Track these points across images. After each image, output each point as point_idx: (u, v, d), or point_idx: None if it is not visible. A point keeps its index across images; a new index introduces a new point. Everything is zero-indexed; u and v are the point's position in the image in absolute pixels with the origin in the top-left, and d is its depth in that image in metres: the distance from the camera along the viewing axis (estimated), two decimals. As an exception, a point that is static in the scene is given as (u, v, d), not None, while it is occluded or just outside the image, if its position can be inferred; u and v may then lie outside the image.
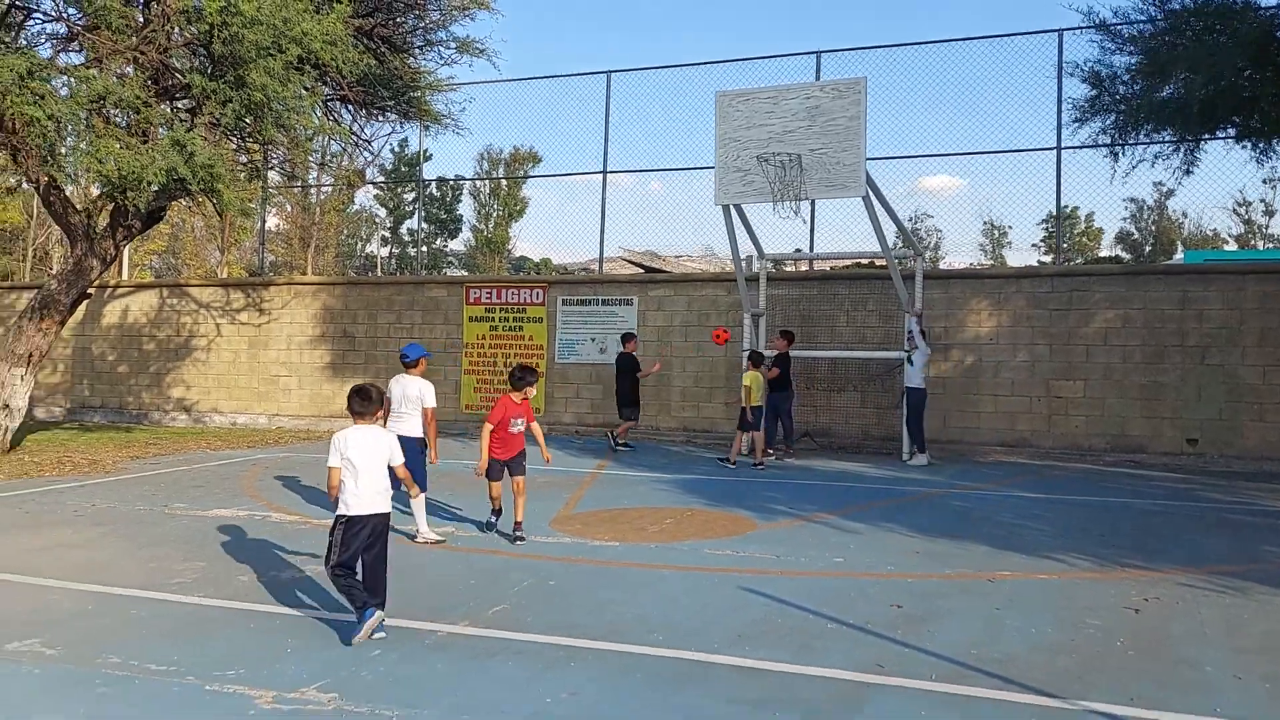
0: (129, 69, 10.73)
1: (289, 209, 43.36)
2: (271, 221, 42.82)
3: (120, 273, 21.53)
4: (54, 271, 41.00)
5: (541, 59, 74.28)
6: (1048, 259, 46.37)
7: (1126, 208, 48.39)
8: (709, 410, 16.25)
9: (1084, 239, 52.02)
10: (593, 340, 17.06)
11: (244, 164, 11.64)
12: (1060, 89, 14.14)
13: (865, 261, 18.12)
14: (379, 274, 46.31)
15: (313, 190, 37.08)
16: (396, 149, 43.72)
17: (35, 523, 8.82)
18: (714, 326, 15.60)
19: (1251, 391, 13.46)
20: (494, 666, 5.05)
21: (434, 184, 47.44)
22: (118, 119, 10.27)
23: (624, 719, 4.36)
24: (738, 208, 13.34)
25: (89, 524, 8.78)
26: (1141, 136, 12.33)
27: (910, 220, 43.19)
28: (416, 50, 13.84)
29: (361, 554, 5.60)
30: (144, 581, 6.71)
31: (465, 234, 51.86)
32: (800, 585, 6.72)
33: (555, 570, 7.16)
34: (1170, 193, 44.33)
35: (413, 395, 8.23)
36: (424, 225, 46.68)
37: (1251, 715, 4.45)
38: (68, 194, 12.10)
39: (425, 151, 27.28)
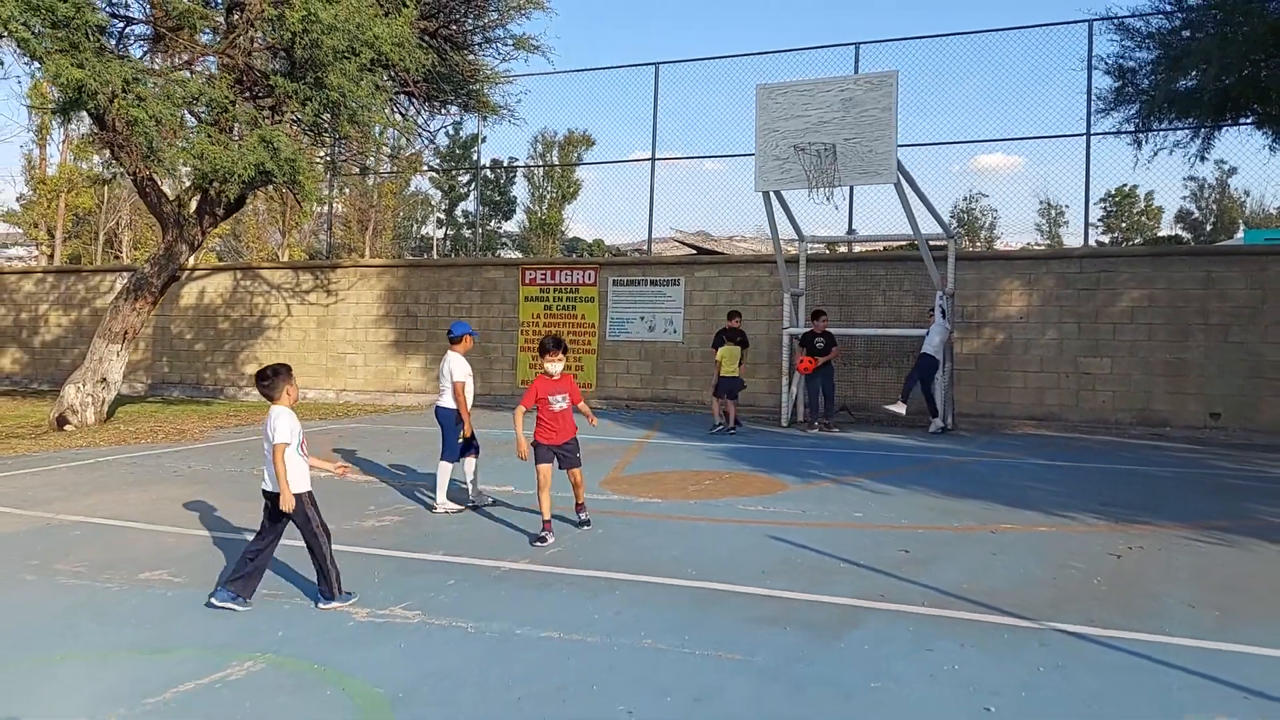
0: (215, 70, 11.74)
1: (348, 193, 44.64)
2: (338, 204, 44.17)
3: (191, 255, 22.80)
4: (124, 258, 42.74)
5: (593, 51, 75.16)
6: (1105, 239, 46.19)
7: (1187, 186, 47.72)
8: (752, 386, 17.03)
9: (1143, 218, 51.52)
10: (641, 319, 17.93)
11: (321, 157, 12.64)
12: (1090, 78, 14.70)
13: (902, 244, 18.74)
14: (434, 255, 47.52)
15: (371, 175, 38.21)
16: (452, 132, 44.80)
17: (142, 481, 9.93)
18: (755, 305, 16.42)
19: (1272, 368, 13.98)
20: (549, 593, 5.97)
21: (488, 168, 48.46)
22: (207, 117, 11.28)
23: (657, 630, 5.26)
24: (777, 194, 14.10)
25: (188, 482, 9.87)
26: (1161, 125, 12.88)
27: (965, 199, 43.18)
28: (476, 47, 14.76)
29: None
30: (246, 527, 7.73)
31: (519, 215, 52.81)
32: (820, 534, 7.57)
33: (603, 521, 8.07)
34: (1232, 171, 43.76)
35: (445, 370, 8.70)
36: (480, 208, 47.71)
37: (1193, 634, 5.22)
38: (161, 185, 13.24)
39: (481, 136, 28.27)
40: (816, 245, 16.98)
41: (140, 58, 13.25)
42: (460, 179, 49.74)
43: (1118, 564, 6.72)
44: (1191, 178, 46.19)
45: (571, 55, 62.32)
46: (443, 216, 54.57)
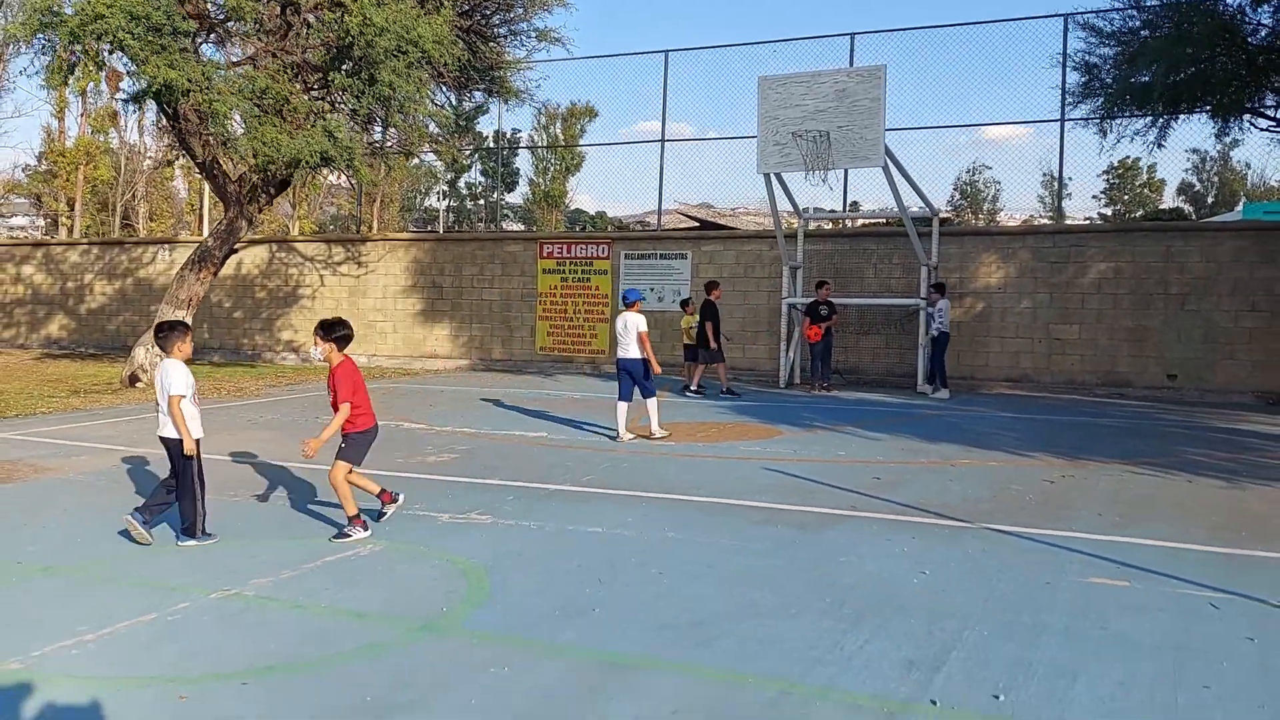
0: (275, 66, 13.16)
1: (372, 162, 45.66)
2: (341, 179, 45.38)
3: (202, 229, 24.29)
4: (138, 228, 44.11)
5: (603, 34, 76.29)
6: (1108, 211, 47.25)
7: (1189, 159, 48.35)
8: (754, 351, 18.56)
9: (1145, 190, 52.43)
10: (651, 290, 19.38)
11: (371, 144, 14.08)
12: (1064, 70, 16.04)
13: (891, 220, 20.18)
14: (439, 228, 48.83)
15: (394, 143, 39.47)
16: (455, 104, 45.92)
17: (224, 428, 11.47)
18: (757, 277, 17.92)
19: (1224, 334, 15.47)
20: (589, 505, 7.51)
21: (490, 138, 49.69)
22: (273, 109, 12.69)
23: (676, 527, 6.79)
24: (777, 175, 15.54)
25: (265, 428, 11.42)
26: (1123, 115, 14.30)
27: (969, 171, 44.20)
28: (501, 39, 16.17)
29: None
30: (329, 461, 9.23)
31: (523, 187, 53.86)
32: (807, 467, 9.11)
33: (626, 458, 9.60)
34: (1235, 144, 44.43)
35: (632, 327, 10.60)
36: (485, 180, 48.81)
37: (1093, 530, 6.75)
38: (225, 168, 14.69)
39: (484, 107, 29.44)
40: (820, 218, 18.36)
41: (217, 52, 14.69)
42: (466, 148, 50.78)
43: (1050, 487, 8.26)
44: (1194, 150, 46.86)
45: (583, 40, 63.40)
46: (446, 188, 55.83)
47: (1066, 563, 5.99)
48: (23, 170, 47.29)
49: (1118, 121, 14.43)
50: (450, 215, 54.26)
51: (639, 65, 39.48)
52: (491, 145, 47.93)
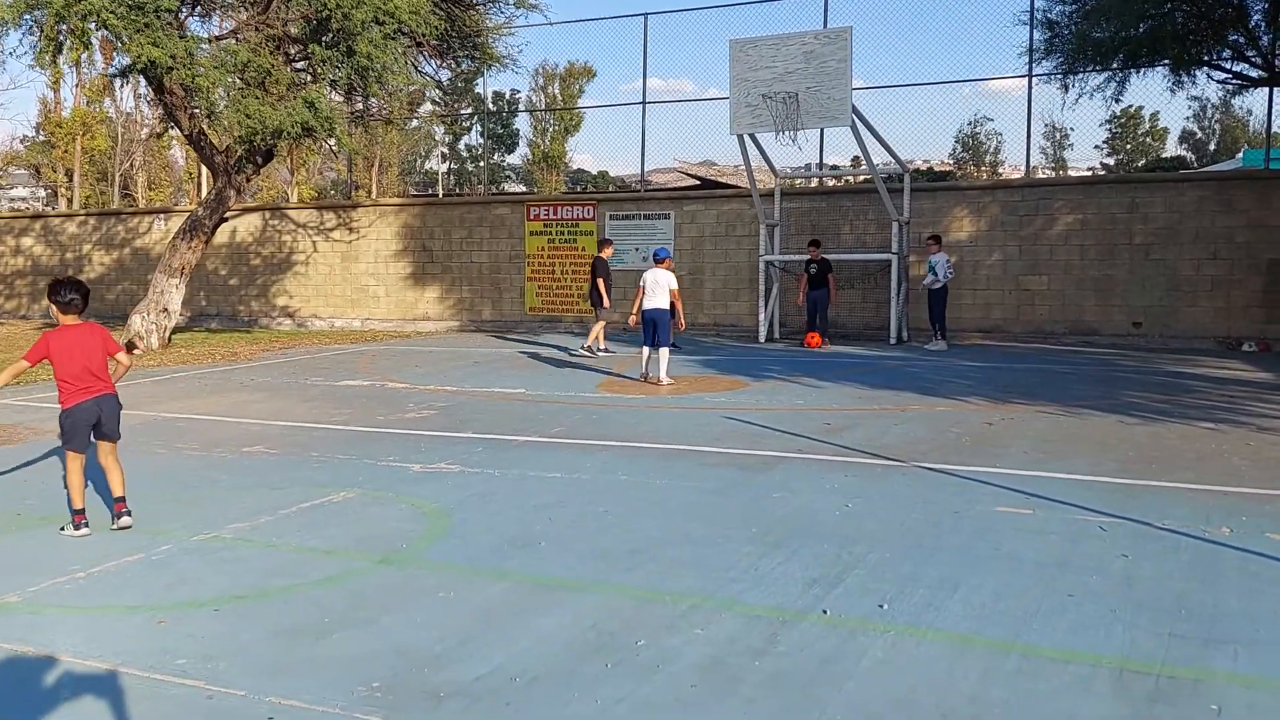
0: (256, 39, 13.57)
1: (353, 130, 45.90)
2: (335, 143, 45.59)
3: (199, 195, 24.75)
4: (137, 197, 44.53)
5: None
6: (1110, 160, 47.32)
7: (1190, 107, 48.10)
8: (735, 308, 19.06)
9: (1148, 139, 52.36)
10: (636, 249, 19.84)
11: (351, 113, 14.50)
12: (1032, 26, 16.35)
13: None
14: (439, 191, 49.17)
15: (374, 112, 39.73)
16: (454, 66, 45.89)
17: (215, 390, 12.03)
18: (738, 235, 18.37)
19: (1186, 282, 15.93)
20: (554, 453, 8.06)
21: (490, 100, 49.84)
22: (255, 81, 13.11)
23: (633, 471, 7.34)
24: (751, 136, 15.94)
25: (255, 390, 11.97)
26: (1085, 70, 14.66)
27: (970, 124, 44.29)
28: (480, 6, 16.51)
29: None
30: (314, 420, 9.81)
31: (523, 149, 53.96)
32: (765, 415, 9.64)
33: (597, 410, 10.15)
34: (1237, 90, 44.02)
35: (663, 282, 11.78)
36: (484, 141, 48.98)
37: (1015, 467, 7.28)
38: (212, 139, 15.13)
39: (479, 70, 29.68)
40: (795, 176, 18.78)
41: (200, 27, 15.08)
42: (464, 112, 50.97)
43: (987, 429, 8.79)
44: (1195, 98, 46.58)
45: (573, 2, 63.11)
46: (446, 151, 56.03)
47: (981, 495, 6.52)
48: (21, 142, 47.66)
49: (1079, 76, 14.79)
50: (451, 178, 54.50)
51: (639, 24, 39.51)
52: (491, 108, 48.09)
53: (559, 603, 4.68)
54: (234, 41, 13.31)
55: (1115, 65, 14.21)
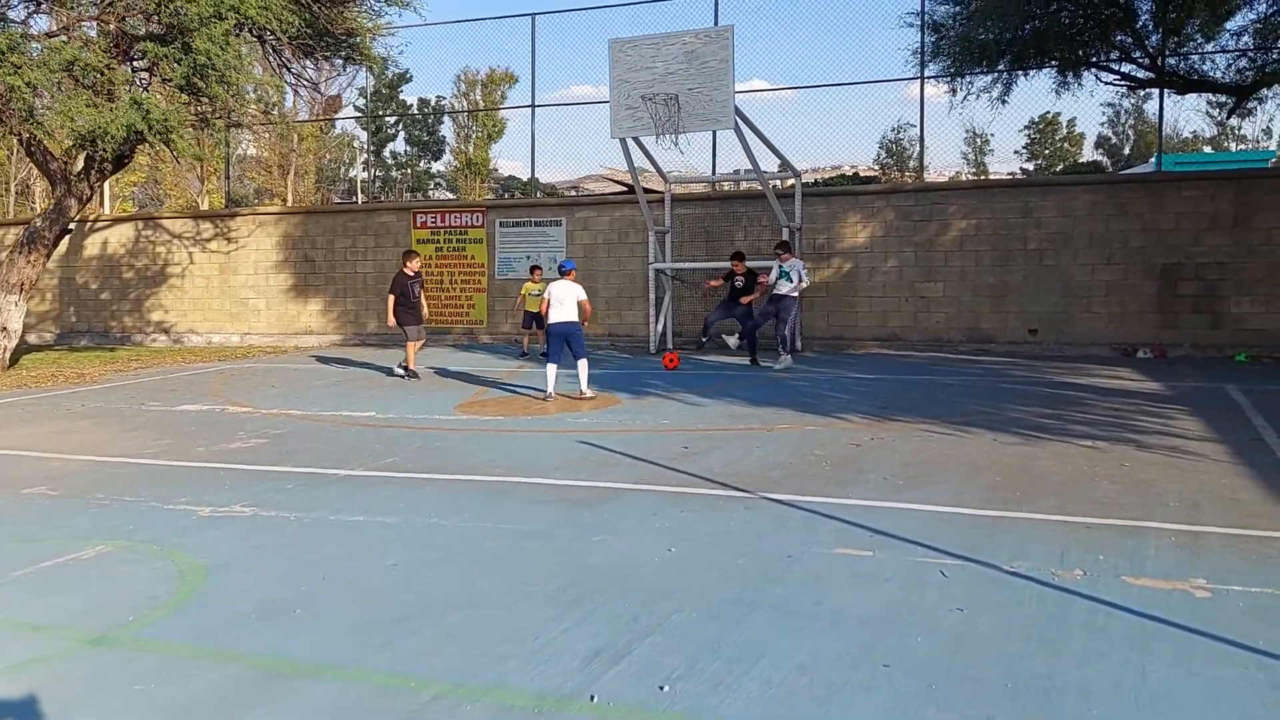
0: (93, 34, 12.50)
1: (266, 137, 44.37)
2: (251, 149, 44.10)
3: (102, 204, 23.38)
4: (37, 208, 42.43)
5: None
6: (1029, 166, 47.70)
7: (1104, 113, 48.78)
8: (630, 317, 18.33)
9: (1065, 145, 53.00)
10: (527, 258, 19.02)
11: (195, 115, 13.46)
12: (923, 27, 15.88)
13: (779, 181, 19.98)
14: (360, 198, 47.64)
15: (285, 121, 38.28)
16: (377, 73, 44.24)
17: (35, 419, 10.93)
18: (631, 242, 17.64)
19: (1081, 288, 15.59)
20: (372, 490, 7.21)
21: (414, 107, 48.76)
22: (85, 80, 12.06)
23: (447, 512, 6.52)
24: (636, 140, 15.22)
25: (79, 418, 10.90)
26: (974, 71, 14.23)
27: (894, 130, 44.25)
28: (350, 4, 15.55)
29: None
30: (124, 453, 8.82)
31: (448, 156, 52.64)
32: (624, 438, 8.89)
33: (443, 437, 9.30)
34: (1148, 97, 44.34)
35: (573, 294, 11.33)
36: (409, 149, 47.73)
37: (868, 497, 6.62)
38: (46, 145, 13.97)
39: (405, 74, 28.67)
40: (684, 181, 18.13)
41: (23, 21, 13.90)
42: (387, 120, 49.60)
43: (854, 450, 8.14)
44: (1109, 104, 47.17)
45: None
46: (371, 157, 54.44)
47: (823, 533, 5.84)
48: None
49: (966, 79, 14.34)
50: (376, 185, 52.97)
51: (560, 27, 38.56)
52: (416, 114, 46.81)
53: (280, 695, 3.86)
54: (65, 39, 12.19)
55: (1002, 67, 13.79)
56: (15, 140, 13.91)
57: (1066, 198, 15.63)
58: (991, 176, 35.70)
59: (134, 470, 8.10)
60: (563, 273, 11.78)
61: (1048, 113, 48.74)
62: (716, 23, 17.15)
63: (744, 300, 14.64)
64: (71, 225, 15.08)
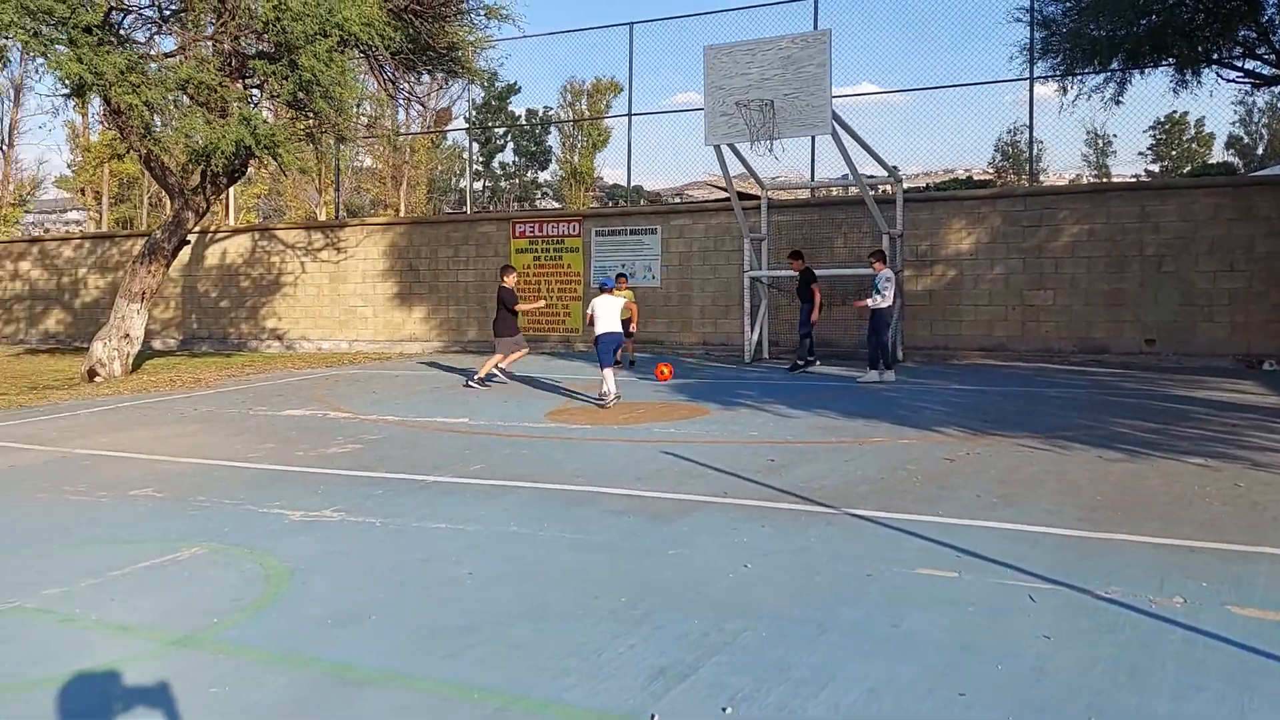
0: (208, 53, 13.02)
1: (380, 149, 45.54)
2: (367, 162, 45.37)
3: (227, 215, 24.40)
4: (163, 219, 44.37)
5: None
6: (1155, 167, 45.86)
7: (1235, 111, 46.49)
8: (725, 326, 18.20)
9: (1194, 145, 50.85)
10: (623, 266, 19.07)
11: (302, 130, 13.89)
12: (1032, 25, 15.38)
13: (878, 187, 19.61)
14: (469, 209, 48.52)
15: (388, 134, 39.17)
16: (485, 86, 44.57)
17: (150, 422, 11.40)
18: (727, 250, 17.54)
19: (1202, 295, 14.85)
20: (454, 497, 7.28)
21: (522, 118, 49.55)
22: (199, 98, 12.57)
23: (526, 520, 6.54)
24: (731, 146, 15.11)
25: (191, 422, 11.32)
26: (1085, 70, 13.68)
27: (1009, 132, 43.03)
28: (451, 18, 15.85)
29: None
30: (229, 456, 9.13)
31: (554, 166, 53.15)
32: (709, 449, 8.80)
33: (531, 444, 9.36)
34: (1252, 90, 41.70)
35: (614, 308, 12.06)
36: (518, 159, 48.42)
37: (959, 515, 6.39)
38: (164, 160, 14.61)
39: (513, 86, 29.05)
40: (782, 188, 17.93)
41: (146, 41, 14.58)
42: (496, 131, 50.39)
43: (947, 466, 7.89)
44: (1240, 102, 44.88)
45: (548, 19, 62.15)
46: (480, 168, 55.35)
47: (906, 552, 5.65)
48: (69, 165, 47.82)
49: (1077, 78, 13.81)
50: (485, 195, 53.87)
51: (665, 35, 38.68)
52: (523, 125, 47.50)
53: (346, 703, 3.90)
54: (181, 58, 12.74)
55: (1115, 65, 13.24)
56: (136, 155, 14.57)
57: (1187, 201, 14.92)
58: (1114, 179, 34.38)
59: (235, 473, 8.36)
60: (604, 289, 12.69)
61: (1174, 112, 46.53)
62: (816, 26, 16.95)
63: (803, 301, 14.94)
64: (190, 237, 15.72)
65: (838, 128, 13.87)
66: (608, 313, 11.98)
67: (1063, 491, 6.97)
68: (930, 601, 4.84)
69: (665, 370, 14.15)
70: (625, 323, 14.91)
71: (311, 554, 5.91)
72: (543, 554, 5.80)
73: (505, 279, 13.89)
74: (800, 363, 15.17)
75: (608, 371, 11.82)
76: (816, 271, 16.14)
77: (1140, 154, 47.52)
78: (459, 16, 15.75)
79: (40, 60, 11.66)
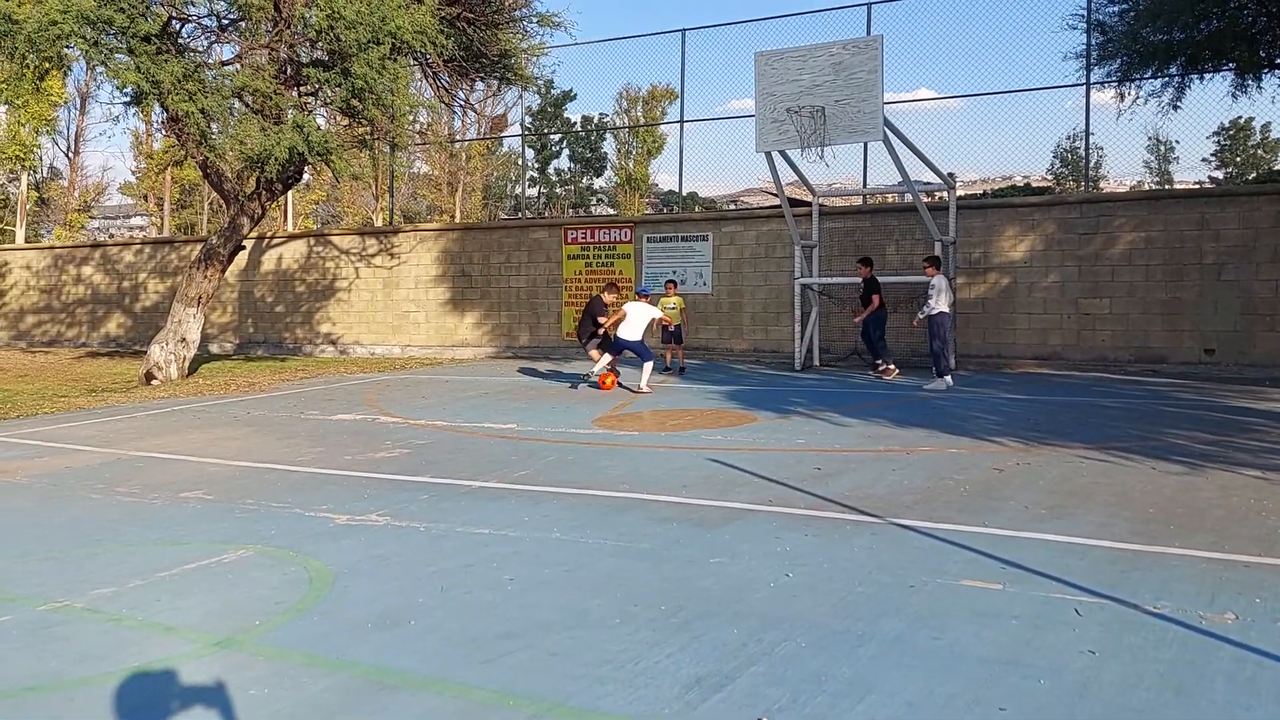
0: (264, 61, 13.27)
1: (437, 156, 46.03)
2: (423, 168, 45.85)
3: (285, 221, 24.81)
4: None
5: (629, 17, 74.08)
6: (1219, 174, 44.86)
7: None
8: (776, 333, 18.12)
9: (1260, 151, 49.74)
10: (674, 273, 19.07)
11: (355, 137, 14.10)
12: (1090, 29, 15.11)
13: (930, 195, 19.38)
14: (524, 214, 48.80)
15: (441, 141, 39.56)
16: (543, 91, 44.71)
17: (204, 425, 11.61)
18: (778, 256, 17.44)
19: (1264, 304, 14.48)
20: (499, 502, 7.31)
21: (578, 124, 49.78)
22: (254, 105, 12.81)
23: (568, 527, 6.55)
24: (782, 153, 15.05)
25: (243, 425, 11.51)
26: (1144, 75, 13.42)
27: (1068, 138, 42.33)
28: (504, 26, 15.99)
29: None
30: (278, 459, 9.27)
31: (609, 172, 53.27)
32: (755, 457, 8.75)
33: (578, 450, 9.38)
34: None
35: (645, 316, 13.47)
36: (573, 165, 48.66)
37: (1006, 526, 6.29)
38: (220, 167, 14.90)
39: (569, 93, 29.28)
40: (833, 195, 17.82)
41: (205, 50, 14.91)
42: (552, 137, 50.68)
43: (996, 476, 7.76)
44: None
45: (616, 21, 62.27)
46: (535, 174, 55.59)
47: (951, 562, 5.57)
48: (133, 172, 49.10)
49: (1135, 83, 13.56)
50: (540, 201, 54.14)
51: (720, 42, 38.66)
52: (578, 131, 47.77)
53: (381, 707, 3.92)
54: (237, 66, 12.99)
55: (1174, 70, 12.97)
56: (194, 162, 14.87)
57: (1248, 208, 14.57)
58: (1176, 186, 33.67)
59: (283, 476, 8.47)
60: (640, 296, 13.77)
61: (1239, 117, 45.44)
62: (869, 33, 16.83)
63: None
64: (246, 242, 16.02)
65: (890, 134, 13.75)
66: (634, 319, 12.92)
67: (1114, 503, 6.82)
68: (973, 614, 4.75)
69: (609, 381, 14.03)
70: (678, 329, 15.44)
71: (355, 558, 5.97)
72: (584, 561, 5.80)
73: (606, 294, 14.77)
74: (878, 363, 14.97)
75: (648, 365, 13.26)
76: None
77: (1204, 160, 46.46)
78: (511, 24, 15.89)
79: (101, 69, 11.96)
